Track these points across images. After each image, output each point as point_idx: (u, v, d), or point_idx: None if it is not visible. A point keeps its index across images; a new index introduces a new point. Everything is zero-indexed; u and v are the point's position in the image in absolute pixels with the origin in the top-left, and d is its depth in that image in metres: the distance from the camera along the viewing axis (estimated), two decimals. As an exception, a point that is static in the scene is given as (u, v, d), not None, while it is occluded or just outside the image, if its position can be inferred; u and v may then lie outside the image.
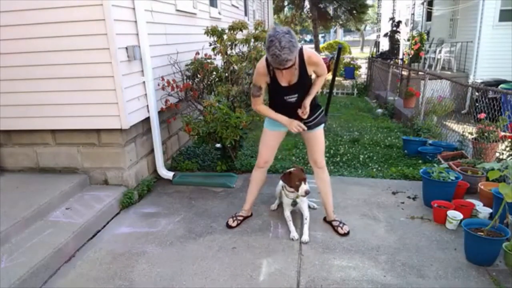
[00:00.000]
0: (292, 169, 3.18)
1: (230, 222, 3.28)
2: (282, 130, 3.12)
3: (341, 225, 3.15)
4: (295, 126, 2.87)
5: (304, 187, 3.04)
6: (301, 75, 2.76)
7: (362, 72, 15.84)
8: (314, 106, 2.96)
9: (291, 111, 2.90)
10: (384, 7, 20.02)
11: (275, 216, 3.44)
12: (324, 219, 3.30)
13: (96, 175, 3.81)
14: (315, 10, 21.42)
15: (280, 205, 3.46)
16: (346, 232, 3.10)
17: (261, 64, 2.78)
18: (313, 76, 2.89)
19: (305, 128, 2.89)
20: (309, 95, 2.85)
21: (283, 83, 2.79)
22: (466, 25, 10.82)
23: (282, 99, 2.87)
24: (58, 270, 2.70)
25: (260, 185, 3.34)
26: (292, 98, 2.85)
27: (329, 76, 3.87)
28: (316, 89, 2.89)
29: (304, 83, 2.80)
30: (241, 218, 3.34)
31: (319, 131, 3.06)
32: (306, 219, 3.16)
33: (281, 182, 3.32)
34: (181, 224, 3.34)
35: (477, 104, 5.81)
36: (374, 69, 12.52)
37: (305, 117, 2.86)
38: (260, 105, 2.95)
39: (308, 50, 2.77)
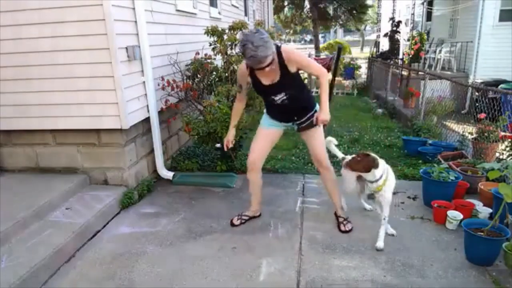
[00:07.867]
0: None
1: (234, 221, 3.28)
2: (277, 129, 3.09)
3: (345, 222, 3.16)
4: None
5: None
6: (282, 74, 2.74)
7: (362, 72, 15.81)
8: (304, 108, 2.94)
9: (287, 113, 2.92)
10: (384, 7, 20.05)
11: (275, 216, 3.44)
12: (335, 213, 3.29)
13: (96, 175, 3.81)
14: (315, 10, 21.38)
15: None
16: (347, 230, 3.11)
17: (242, 65, 2.86)
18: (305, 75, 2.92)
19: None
20: (321, 102, 2.82)
21: (266, 82, 2.78)
22: (466, 25, 10.82)
23: (270, 99, 2.87)
24: (58, 270, 2.70)
25: (259, 185, 3.28)
26: (280, 98, 2.83)
27: (329, 76, 3.86)
28: (323, 93, 2.83)
29: (287, 82, 2.77)
30: (246, 217, 3.32)
31: (315, 129, 2.97)
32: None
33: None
34: (181, 224, 3.34)
35: (477, 104, 5.80)
36: (374, 69, 12.53)
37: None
38: (236, 103, 3.10)
39: (287, 48, 2.72)
